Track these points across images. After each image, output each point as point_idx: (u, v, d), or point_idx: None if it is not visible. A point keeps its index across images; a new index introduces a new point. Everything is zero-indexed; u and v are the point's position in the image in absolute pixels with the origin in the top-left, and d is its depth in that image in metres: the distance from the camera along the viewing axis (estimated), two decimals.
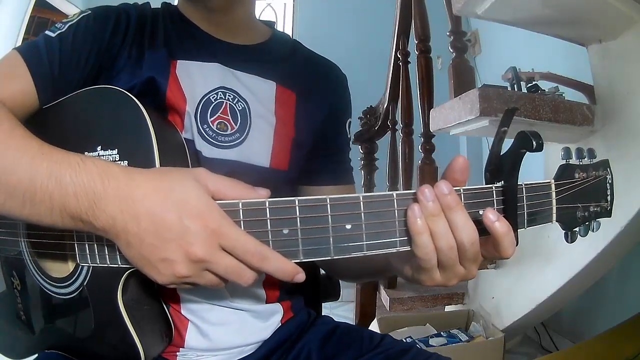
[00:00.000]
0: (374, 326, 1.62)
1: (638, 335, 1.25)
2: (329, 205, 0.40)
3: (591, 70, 1.23)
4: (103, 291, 0.50)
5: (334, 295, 0.89)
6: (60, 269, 0.55)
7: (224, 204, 0.40)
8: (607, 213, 0.48)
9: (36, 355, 0.62)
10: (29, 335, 0.61)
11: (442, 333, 1.54)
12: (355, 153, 2.09)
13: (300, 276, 0.41)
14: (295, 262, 0.41)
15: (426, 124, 1.54)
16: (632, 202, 1.05)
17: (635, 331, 1.29)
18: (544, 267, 1.38)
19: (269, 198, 0.41)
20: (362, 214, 0.40)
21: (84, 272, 0.52)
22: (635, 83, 1.09)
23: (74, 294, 0.53)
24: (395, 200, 0.41)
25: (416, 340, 1.47)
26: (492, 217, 0.40)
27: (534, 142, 0.40)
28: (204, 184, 0.40)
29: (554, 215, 0.45)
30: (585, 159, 0.47)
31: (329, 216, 0.40)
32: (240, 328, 0.62)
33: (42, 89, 0.54)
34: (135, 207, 0.39)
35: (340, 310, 2.47)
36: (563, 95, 1.31)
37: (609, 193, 0.48)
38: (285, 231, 0.40)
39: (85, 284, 0.52)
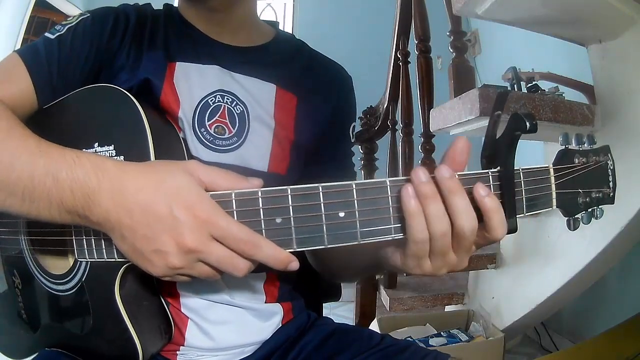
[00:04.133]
0: (374, 326, 1.62)
1: (638, 335, 1.25)
2: (321, 194, 0.39)
3: (591, 70, 1.23)
4: (101, 286, 0.50)
5: (334, 295, 0.89)
6: (59, 265, 0.55)
7: (217, 195, 0.40)
8: (610, 199, 0.46)
9: (36, 354, 0.61)
10: (30, 334, 0.62)
11: (442, 333, 1.54)
12: (356, 153, 2.07)
13: (294, 264, 0.40)
14: (290, 252, 0.40)
15: (426, 124, 1.54)
16: (632, 202, 1.05)
17: (635, 331, 1.29)
18: (544, 267, 1.37)
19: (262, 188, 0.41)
20: (355, 201, 0.39)
21: (82, 268, 0.52)
22: (635, 83, 1.09)
23: (73, 290, 0.53)
24: (388, 187, 0.40)
25: (416, 340, 1.46)
26: (483, 192, 0.38)
27: (528, 123, 0.38)
28: (197, 176, 0.41)
29: (554, 201, 0.43)
30: (585, 144, 0.45)
31: (322, 204, 0.39)
32: (240, 327, 0.62)
33: (41, 89, 0.55)
34: (128, 199, 0.39)
35: (340, 310, 2.47)
36: (563, 95, 1.31)
37: (610, 179, 0.46)
38: (278, 220, 0.40)
39: (83, 280, 0.52)
